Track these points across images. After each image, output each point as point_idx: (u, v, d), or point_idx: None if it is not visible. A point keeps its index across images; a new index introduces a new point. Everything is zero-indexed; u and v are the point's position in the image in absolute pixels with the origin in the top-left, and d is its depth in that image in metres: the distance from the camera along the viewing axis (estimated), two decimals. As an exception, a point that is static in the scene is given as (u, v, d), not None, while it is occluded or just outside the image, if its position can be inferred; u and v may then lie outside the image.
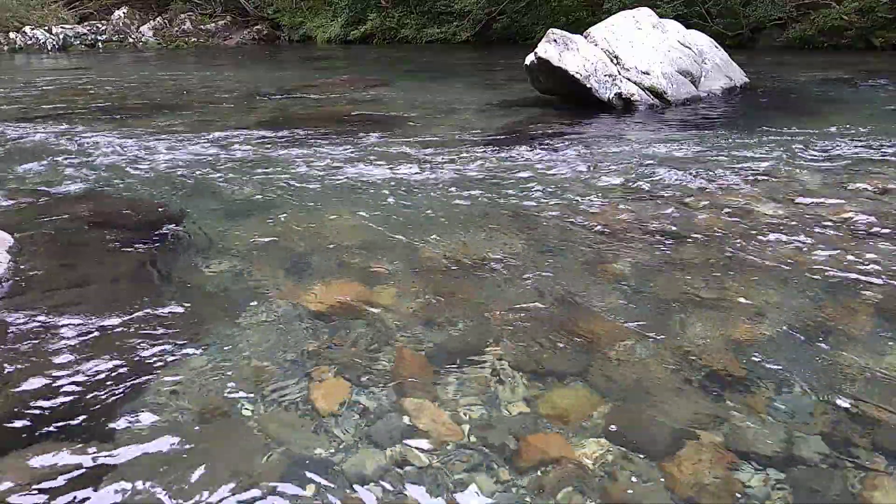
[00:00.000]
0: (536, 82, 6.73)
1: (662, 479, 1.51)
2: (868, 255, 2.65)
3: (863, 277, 2.45)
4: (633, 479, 1.52)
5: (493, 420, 1.73)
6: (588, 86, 6.09)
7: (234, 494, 1.48)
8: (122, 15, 20.29)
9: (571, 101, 6.41)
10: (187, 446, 1.63)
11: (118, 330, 2.20)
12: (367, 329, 2.20)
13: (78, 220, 3.33)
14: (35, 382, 1.90)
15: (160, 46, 19.04)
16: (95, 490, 1.50)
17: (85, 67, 12.91)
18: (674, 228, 3.02)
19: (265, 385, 1.89)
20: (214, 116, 6.46)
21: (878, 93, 7.02)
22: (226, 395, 1.84)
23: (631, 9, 7.13)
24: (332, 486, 1.51)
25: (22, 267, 2.70)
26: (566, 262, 2.69)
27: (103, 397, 1.83)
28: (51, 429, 1.70)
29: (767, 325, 2.14)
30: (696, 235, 2.92)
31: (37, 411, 1.77)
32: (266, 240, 3.01)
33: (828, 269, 2.53)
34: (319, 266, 2.71)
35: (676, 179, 3.82)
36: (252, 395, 1.84)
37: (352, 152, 4.71)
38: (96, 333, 2.17)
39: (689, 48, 6.96)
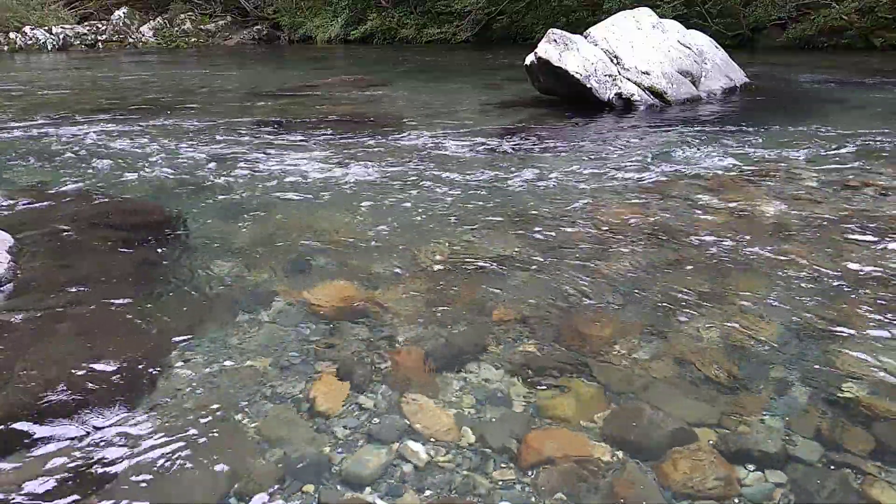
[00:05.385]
0: (536, 82, 6.73)
1: (662, 479, 1.51)
2: (868, 255, 2.65)
3: (863, 277, 2.45)
4: (634, 478, 1.52)
5: (494, 420, 1.73)
6: (588, 86, 6.09)
7: (233, 494, 1.48)
8: (122, 15, 20.27)
9: (571, 101, 6.41)
10: (187, 446, 1.63)
11: (118, 330, 2.20)
12: (367, 329, 2.20)
13: (78, 220, 3.32)
14: (35, 383, 1.90)
15: (160, 46, 19.03)
16: (95, 490, 1.50)
17: (85, 67, 12.91)
18: (674, 228, 3.02)
19: (265, 385, 1.89)
20: (214, 116, 6.46)
21: (878, 93, 7.02)
22: (226, 394, 1.84)
23: (631, 9, 7.13)
24: (332, 486, 1.51)
25: (22, 267, 2.70)
26: (566, 261, 2.69)
27: (103, 397, 1.83)
28: (51, 429, 1.70)
29: (767, 324, 2.14)
30: (696, 235, 2.92)
31: (37, 411, 1.77)
32: (266, 240, 3.01)
33: (827, 268, 2.53)
34: (319, 266, 2.71)
35: (676, 180, 3.82)
36: (252, 394, 1.84)
37: (351, 152, 4.71)
38: (96, 333, 2.17)
39: (689, 48, 6.96)
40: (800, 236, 2.87)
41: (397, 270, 2.64)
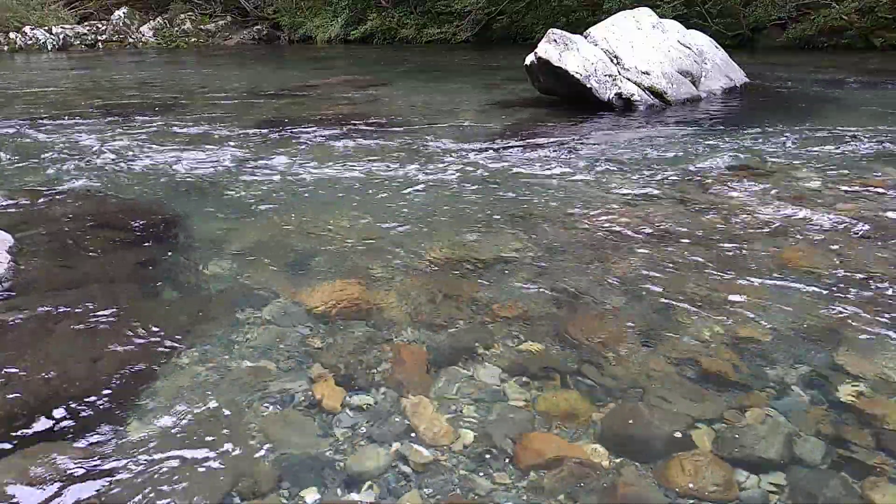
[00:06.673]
0: (536, 82, 6.73)
1: (662, 480, 1.51)
2: (868, 255, 2.65)
3: (862, 277, 2.45)
4: (633, 479, 1.52)
5: (493, 420, 1.73)
6: (588, 86, 6.09)
7: (233, 494, 1.48)
8: (122, 15, 20.26)
9: (571, 100, 6.41)
10: (187, 446, 1.63)
11: (118, 330, 2.20)
12: (366, 329, 2.20)
13: (78, 220, 3.32)
14: (35, 383, 1.90)
15: (160, 46, 19.03)
16: (95, 490, 1.50)
17: (85, 67, 12.91)
18: (674, 228, 3.02)
19: (265, 385, 1.89)
20: (214, 116, 6.46)
21: (878, 93, 7.02)
22: (226, 395, 1.84)
23: (631, 9, 7.13)
24: (332, 486, 1.51)
25: (22, 267, 2.70)
26: (566, 261, 2.69)
27: (103, 398, 1.83)
28: (51, 429, 1.71)
29: (767, 325, 2.14)
30: (695, 235, 2.92)
31: (37, 411, 1.77)
32: (266, 240, 3.01)
33: (827, 269, 2.53)
34: (319, 266, 2.71)
35: (676, 179, 3.82)
36: (252, 395, 1.84)
37: (351, 152, 4.71)
38: (96, 334, 2.17)
39: (689, 48, 6.96)
40: (800, 236, 2.87)
41: (397, 270, 2.64)
